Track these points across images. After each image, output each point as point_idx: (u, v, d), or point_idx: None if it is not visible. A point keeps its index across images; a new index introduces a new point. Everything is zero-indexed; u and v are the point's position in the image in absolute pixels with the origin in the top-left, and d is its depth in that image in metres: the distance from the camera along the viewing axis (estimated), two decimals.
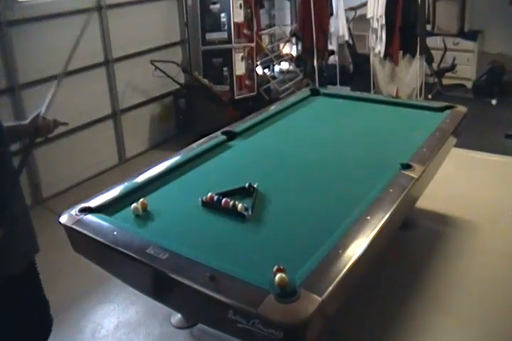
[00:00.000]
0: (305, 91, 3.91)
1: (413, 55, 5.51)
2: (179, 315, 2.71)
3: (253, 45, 5.54)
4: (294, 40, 7.25)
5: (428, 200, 3.37)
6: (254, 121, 3.29)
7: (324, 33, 6.07)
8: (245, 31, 5.43)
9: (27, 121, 1.94)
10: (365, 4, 5.70)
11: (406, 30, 5.41)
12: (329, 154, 2.87)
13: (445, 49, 6.10)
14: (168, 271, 1.81)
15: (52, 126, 1.99)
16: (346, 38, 6.28)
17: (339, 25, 6.02)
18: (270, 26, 7.22)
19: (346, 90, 5.62)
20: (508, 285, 2.95)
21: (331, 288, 1.66)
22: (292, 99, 3.77)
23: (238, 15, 5.31)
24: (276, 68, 7.23)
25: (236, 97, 5.45)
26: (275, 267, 1.73)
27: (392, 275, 3.02)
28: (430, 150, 2.74)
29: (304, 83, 6.35)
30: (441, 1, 6.22)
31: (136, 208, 2.21)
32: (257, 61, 5.85)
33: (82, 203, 2.26)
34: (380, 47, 5.56)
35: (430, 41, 5.88)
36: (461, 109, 3.37)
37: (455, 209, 3.70)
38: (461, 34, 6.27)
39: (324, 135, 3.12)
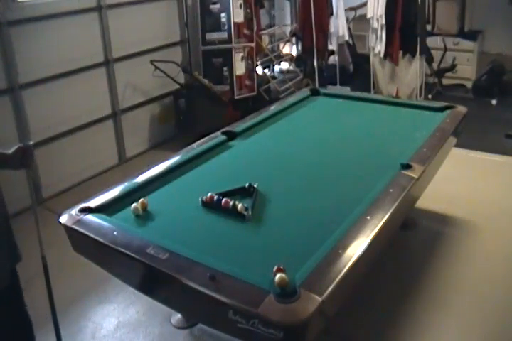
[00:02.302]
0: (305, 92, 3.91)
1: (413, 55, 5.51)
2: (179, 315, 2.71)
3: (253, 45, 5.53)
4: (294, 40, 7.25)
5: (428, 200, 3.37)
6: (254, 121, 3.29)
7: (324, 33, 6.07)
8: (245, 31, 5.43)
9: (10, 151, 1.87)
10: (365, 4, 5.70)
11: (406, 30, 5.41)
12: (329, 154, 2.88)
13: (445, 49, 6.10)
14: (168, 271, 1.81)
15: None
16: (346, 38, 6.27)
17: (339, 25, 6.02)
18: (270, 26, 7.21)
19: (346, 90, 5.62)
20: (508, 285, 2.95)
21: (331, 288, 1.66)
22: (292, 99, 3.76)
23: (238, 15, 5.31)
24: (276, 68, 7.23)
25: (236, 97, 5.45)
26: (275, 267, 1.73)
27: (392, 275, 3.02)
28: (430, 150, 2.74)
29: (304, 83, 6.34)
30: (441, 1, 6.22)
31: (136, 208, 2.21)
32: (257, 61, 5.84)
33: (82, 203, 2.26)
34: (380, 47, 5.56)
35: (430, 41, 5.87)
36: (461, 109, 3.37)
37: (455, 209, 3.70)
38: (461, 34, 6.27)
39: (324, 135, 3.13)
